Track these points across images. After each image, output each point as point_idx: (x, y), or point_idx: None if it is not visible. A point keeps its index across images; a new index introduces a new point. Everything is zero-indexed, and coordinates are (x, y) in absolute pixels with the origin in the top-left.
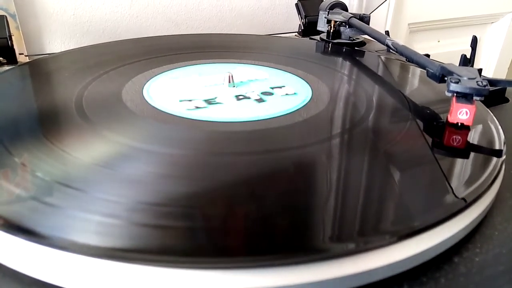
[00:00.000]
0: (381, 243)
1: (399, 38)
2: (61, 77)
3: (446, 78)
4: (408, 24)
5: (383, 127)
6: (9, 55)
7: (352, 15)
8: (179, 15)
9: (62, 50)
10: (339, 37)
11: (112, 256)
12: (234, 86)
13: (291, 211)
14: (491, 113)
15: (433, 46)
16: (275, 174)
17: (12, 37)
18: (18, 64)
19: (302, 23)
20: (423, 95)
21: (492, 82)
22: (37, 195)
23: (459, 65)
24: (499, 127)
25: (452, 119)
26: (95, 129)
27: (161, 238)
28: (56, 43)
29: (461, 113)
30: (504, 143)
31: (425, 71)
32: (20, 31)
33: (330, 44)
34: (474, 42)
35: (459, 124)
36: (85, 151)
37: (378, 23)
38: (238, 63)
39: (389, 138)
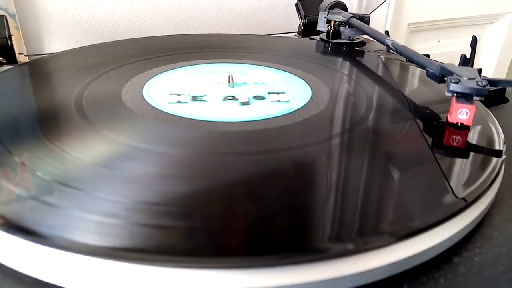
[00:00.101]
0: (381, 243)
1: (399, 38)
2: (61, 77)
3: (446, 78)
4: (408, 24)
5: (383, 127)
6: (9, 55)
7: (352, 15)
8: (179, 15)
9: (62, 50)
10: (339, 37)
11: (112, 255)
12: (233, 86)
13: (290, 211)
14: (491, 113)
15: (433, 46)
16: (275, 174)
17: (12, 37)
18: (18, 64)
19: (302, 23)
20: (423, 95)
21: (492, 82)
22: (37, 194)
23: (459, 65)
24: (499, 127)
25: (452, 119)
26: (95, 129)
27: (161, 238)
28: (55, 43)
29: (461, 113)
30: (504, 143)
31: (425, 71)
32: (20, 31)
33: (330, 44)
34: (474, 42)
35: (459, 124)
36: (85, 151)
37: (378, 23)
38: (238, 63)
39: (389, 138)
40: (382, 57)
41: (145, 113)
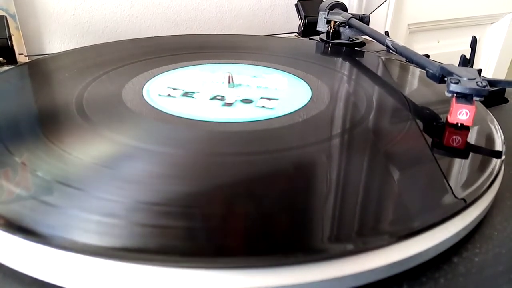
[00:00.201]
0: (381, 243)
1: (399, 38)
2: (61, 77)
3: (446, 79)
4: (408, 25)
5: (383, 127)
6: (9, 55)
7: (351, 16)
8: (179, 15)
9: (62, 50)
10: (339, 38)
11: (112, 256)
12: (233, 87)
13: (290, 211)
14: (490, 114)
15: (433, 46)
16: (275, 174)
17: (12, 37)
18: (18, 64)
19: (302, 23)
20: (423, 96)
21: (491, 82)
22: (38, 194)
23: (459, 65)
24: (499, 127)
25: (452, 119)
26: (95, 129)
27: (161, 238)
28: (56, 43)
29: (461, 114)
30: (504, 144)
31: (425, 71)
32: (20, 31)
33: (330, 45)
34: (474, 42)
35: (459, 124)
36: (86, 151)
37: (378, 24)
38: (238, 63)
39: (389, 138)
40: (382, 58)
41: (145, 113)
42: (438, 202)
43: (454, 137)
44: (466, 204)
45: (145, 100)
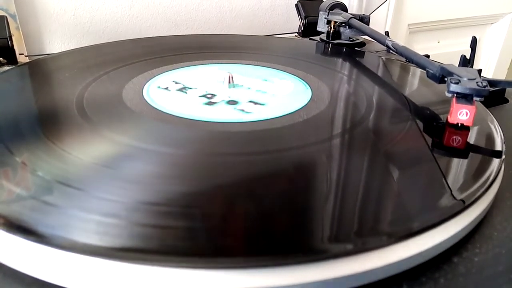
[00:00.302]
0: (381, 244)
1: (399, 38)
2: (62, 77)
3: (446, 79)
4: (408, 25)
5: (383, 127)
6: (9, 55)
7: (352, 16)
8: (179, 15)
9: (62, 50)
10: (339, 38)
11: (112, 256)
12: (233, 87)
13: (290, 211)
14: (490, 114)
15: (433, 46)
16: (275, 174)
17: (12, 37)
18: (18, 64)
19: (302, 23)
20: (423, 96)
21: (492, 82)
22: (38, 194)
23: (459, 65)
24: (499, 127)
25: (452, 119)
26: (95, 129)
27: (161, 238)
28: (56, 43)
29: (461, 114)
30: (504, 144)
31: (425, 71)
32: (20, 32)
33: (330, 45)
34: (474, 42)
35: (459, 124)
36: (86, 151)
37: (378, 24)
38: (238, 63)
39: (389, 138)
40: (382, 58)
41: (145, 113)
42: (438, 202)
43: (454, 137)
44: (466, 204)
45: (145, 100)
